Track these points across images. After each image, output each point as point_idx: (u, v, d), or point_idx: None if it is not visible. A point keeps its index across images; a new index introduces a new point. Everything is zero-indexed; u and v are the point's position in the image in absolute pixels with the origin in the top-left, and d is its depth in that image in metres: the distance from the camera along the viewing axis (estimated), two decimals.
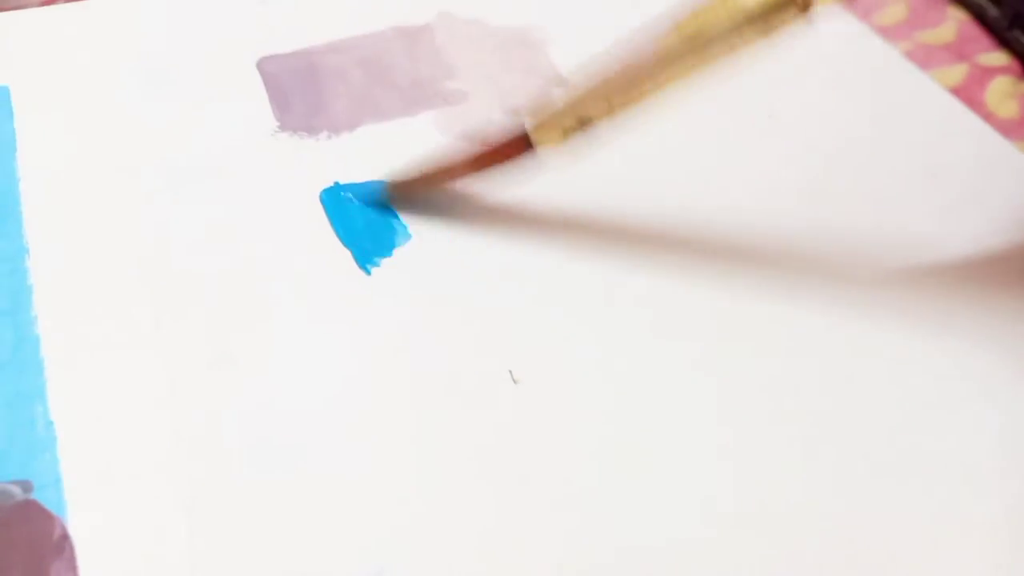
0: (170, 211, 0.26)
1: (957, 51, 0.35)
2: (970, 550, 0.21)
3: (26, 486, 0.21)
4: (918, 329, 0.25)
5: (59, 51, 0.31)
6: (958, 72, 0.34)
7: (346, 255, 0.25)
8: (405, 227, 0.26)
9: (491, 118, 0.29)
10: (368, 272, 0.25)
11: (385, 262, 0.25)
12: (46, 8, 0.32)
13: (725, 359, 0.24)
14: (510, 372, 0.23)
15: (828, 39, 0.33)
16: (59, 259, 0.25)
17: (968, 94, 0.33)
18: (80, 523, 0.20)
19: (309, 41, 0.32)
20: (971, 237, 0.28)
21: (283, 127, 0.29)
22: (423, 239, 0.26)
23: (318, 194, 0.27)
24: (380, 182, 0.27)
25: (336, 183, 0.27)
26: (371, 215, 0.26)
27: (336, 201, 0.27)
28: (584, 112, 0.23)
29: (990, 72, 0.34)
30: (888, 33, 0.35)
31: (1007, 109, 0.32)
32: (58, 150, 0.27)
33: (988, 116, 0.32)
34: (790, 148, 0.30)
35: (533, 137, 0.24)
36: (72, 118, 0.29)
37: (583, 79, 0.24)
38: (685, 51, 0.22)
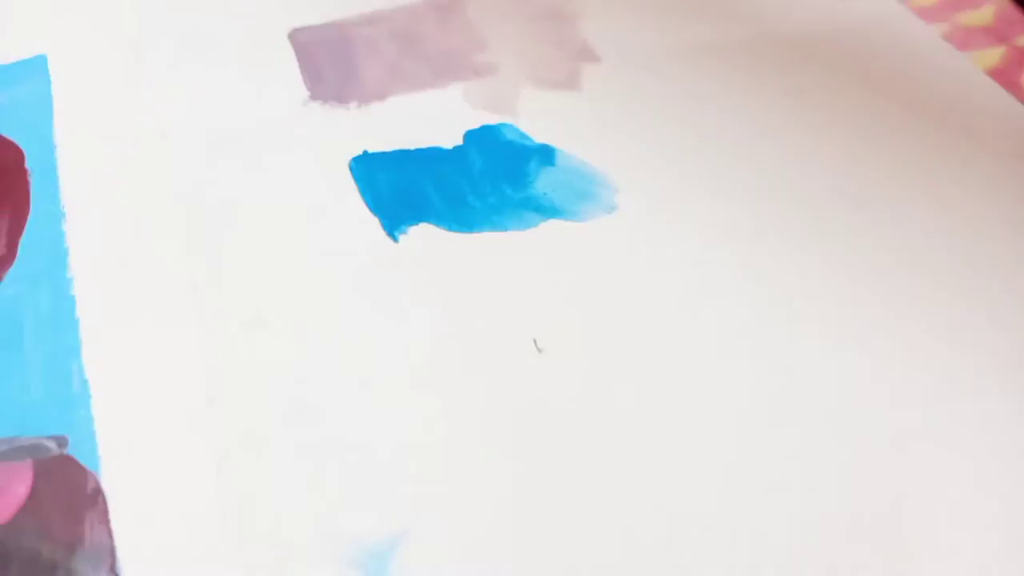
0: (203, 177, 0.26)
1: (996, 33, 0.34)
2: (970, 548, 0.21)
3: (61, 441, 0.21)
4: (930, 316, 0.25)
5: (95, 21, 0.31)
6: (996, 54, 0.33)
7: (374, 222, 0.26)
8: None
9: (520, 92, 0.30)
10: (396, 239, 0.25)
11: (412, 230, 0.26)
12: None
13: (752, 331, 0.24)
14: (534, 341, 0.23)
15: (864, 19, 0.33)
16: (94, 223, 0.25)
17: (1006, 76, 0.32)
18: (113, 477, 0.20)
19: (342, 13, 0.32)
20: (1005, 219, 0.27)
21: (314, 97, 0.29)
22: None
23: (347, 162, 0.27)
24: None
25: (365, 151, 0.27)
26: (399, 183, 0.26)
27: (365, 169, 0.27)
28: None
29: None
30: (926, 14, 0.34)
31: None
32: (93, 118, 0.28)
33: None
34: (821, 127, 0.29)
35: None
36: (107, 86, 0.29)
37: None
38: None
